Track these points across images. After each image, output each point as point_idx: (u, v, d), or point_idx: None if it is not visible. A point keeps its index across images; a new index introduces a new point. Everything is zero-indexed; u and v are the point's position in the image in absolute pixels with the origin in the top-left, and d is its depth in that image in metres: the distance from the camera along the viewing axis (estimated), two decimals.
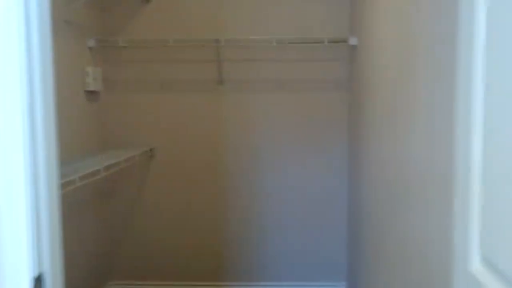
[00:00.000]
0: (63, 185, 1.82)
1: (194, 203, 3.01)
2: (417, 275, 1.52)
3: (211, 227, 3.02)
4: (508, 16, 0.65)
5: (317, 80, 2.89)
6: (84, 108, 2.64)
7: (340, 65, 2.87)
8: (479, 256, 0.73)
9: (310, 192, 2.97)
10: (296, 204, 2.98)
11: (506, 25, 0.66)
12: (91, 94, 2.72)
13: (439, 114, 1.33)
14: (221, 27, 2.85)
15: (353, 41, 2.60)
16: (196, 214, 3.01)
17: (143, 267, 3.05)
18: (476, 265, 0.74)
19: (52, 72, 1.08)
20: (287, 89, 2.90)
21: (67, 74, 2.42)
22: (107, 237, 2.99)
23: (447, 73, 1.27)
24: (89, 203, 2.71)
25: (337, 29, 2.83)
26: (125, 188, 3.01)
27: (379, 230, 2.10)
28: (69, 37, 2.45)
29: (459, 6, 0.89)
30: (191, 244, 3.03)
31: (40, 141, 1.01)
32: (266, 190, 2.98)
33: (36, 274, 1.01)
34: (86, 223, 2.68)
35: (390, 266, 1.89)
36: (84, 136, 2.64)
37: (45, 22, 1.03)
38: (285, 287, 3.02)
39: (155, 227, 3.02)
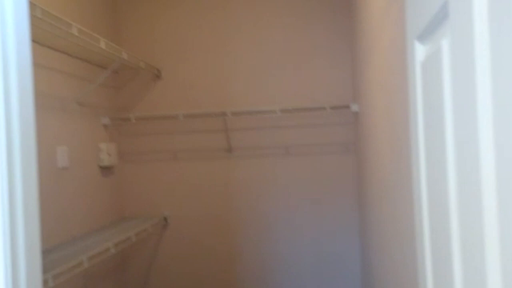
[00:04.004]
0: (72, 268, 1.89)
1: (208, 269, 3.03)
2: None
3: None
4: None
5: (324, 144, 2.94)
6: (99, 183, 2.75)
7: (347, 129, 2.92)
8: None
9: (322, 254, 2.96)
10: (308, 267, 2.97)
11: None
12: (106, 169, 2.84)
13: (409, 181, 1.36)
14: (228, 100, 2.97)
15: (355, 107, 2.66)
16: (210, 281, 3.03)
17: None
18: None
19: (34, 156, 1.16)
20: (295, 154, 2.96)
21: (81, 151, 2.55)
22: None
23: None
24: (103, 274, 2.78)
25: (341, 95, 2.90)
26: (139, 257, 3.07)
27: None
28: (83, 116, 2.60)
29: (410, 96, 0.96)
30: None
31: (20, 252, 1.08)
32: (278, 254, 2.99)
33: None
34: None
35: None
36: (99, 210, 2.74)
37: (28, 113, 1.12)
38: None
39: None
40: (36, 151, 1.17)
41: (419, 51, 0.89)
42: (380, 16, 1.87)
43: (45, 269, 1.70)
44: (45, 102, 2.22)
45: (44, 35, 2.03)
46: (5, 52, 1.02)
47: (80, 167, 2.52)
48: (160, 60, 3.03)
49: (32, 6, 1.68)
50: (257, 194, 3.00)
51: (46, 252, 2.05)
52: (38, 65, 2.15)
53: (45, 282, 1.62)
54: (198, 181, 3.03)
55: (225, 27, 3.02)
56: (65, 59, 2.41)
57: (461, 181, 0.62)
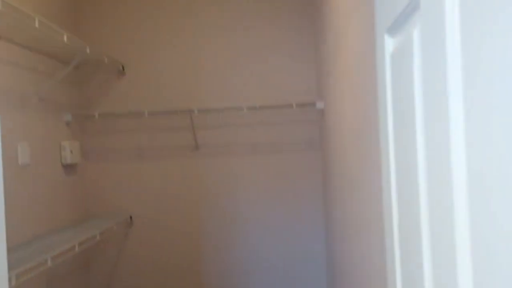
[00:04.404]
0: (35, 267, 1.83)
1: (174, 269, 3.00)
2: None
3: None
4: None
5: (290, 141, 2.97)
6: (61, 182, 2.68)
7: (312, 126, 2.96)
8: None
9: (289, 251, 2.99)
10: (276, 264, 2.99)
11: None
12: (69, 167, 2.77)
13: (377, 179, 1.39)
14: (194, 96, 2.96)
15: (320, 105, 2.69)
16: (177, 280, 3.00)
17: None
18: None
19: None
20: (261, 152, 2.97)
21: (43, 149, 2.48)
22: None
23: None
24: (67, 275, 2.71)
25: (307, 93, 2.93)
26: (104, 257, 3.01)
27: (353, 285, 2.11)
28: (45, 113, 2.52)
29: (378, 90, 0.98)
30: None
31: None
32: (245, 252, 2.99)
33: None
34: None
35: None
36: (62, 209, 2.67)
37: None
38: None
39: None
40: None
41: (389, 44, 0.91)
42: (347, 11, 1.90)
43: (8, 268, 1.64)
44: (5, 97, 2.15)
45: (5, 29, 1.96)
46: None
47: (42, 164, 2.45)
48: (124, 55, 2.97)
49: None
50: (224, 192, 2.99)
51: (8, 250, 1.98)
52: None
53: (8, 280, 1.57)
54: (164, 180, 3.00)
55: (192, 23, 3.00)
56: (26, 53, 2.34)
57: (432, 174, 0.63)
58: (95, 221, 2.77)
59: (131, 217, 2.98)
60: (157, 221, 3.00)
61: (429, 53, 0.63)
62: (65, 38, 2.13)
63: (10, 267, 1.68)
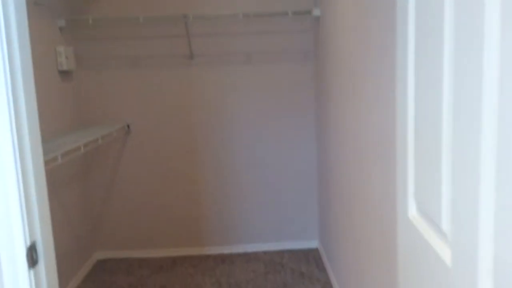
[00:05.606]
0: (46, 163, 1.91)
1: (171, 173, 3.13)
2: (374, 222, 1.68)
3: (188, 195, 3.16)
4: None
5: (284, 51, 2.99)
6: (58, 88, 2.70)
7: (306, 36, 2.98)
8: (415, 204, 0.85)
9: (281, 157, 3.12)
10: (268, 169, 3.13)
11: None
12: (65, 74, 2.78)
13: (385, 83, 1.46)
14: (189, 2, 2.92)
15: (316, 12, 2.70)
16: (173, 184, 3.14)
17: (126, 237, 3.19)
18: (412, 212, 0.86)
19: (30, 57, 1.18)
20: (255, 61, 3.00)
21: (39, 55, 2.47)
22: (89, 211, 3.11)
23: (392, 47, 1.39)
24: (69, 179, 2.81)
25: (301, 1, 2.92)
26: (104, 163, 3.10)
27: (344, 188, 2.25)
28: (39, 18, 2.49)
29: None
30: (170, 212, 3.18)
31: (24, 122, 1.12)
32: (239, 158, 3.11)
33: (29, 243, 1.13)
34: (69, 199, 2.78)
35: (354, 221, 2.05)
36: (59, 115, 2.71)
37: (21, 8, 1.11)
38: (261, 247, 3.20)
39: (135, 199, 3.14)
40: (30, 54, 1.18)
41: None
42: None
43: None
44: None
45: None
46: None
47: (39, 70, 2.46)
48: None
49: None
50: (218, 102, 3.05)
51: None
52: None
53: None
54: (159, 88, 3.03)
55: None
56: None
57: (460, 71, 0.61)
58: (93, 128, 2.83)
59: (128, 126, 3.04)
60: (154, 129, 3.07)
61: None
62: None
63: None
